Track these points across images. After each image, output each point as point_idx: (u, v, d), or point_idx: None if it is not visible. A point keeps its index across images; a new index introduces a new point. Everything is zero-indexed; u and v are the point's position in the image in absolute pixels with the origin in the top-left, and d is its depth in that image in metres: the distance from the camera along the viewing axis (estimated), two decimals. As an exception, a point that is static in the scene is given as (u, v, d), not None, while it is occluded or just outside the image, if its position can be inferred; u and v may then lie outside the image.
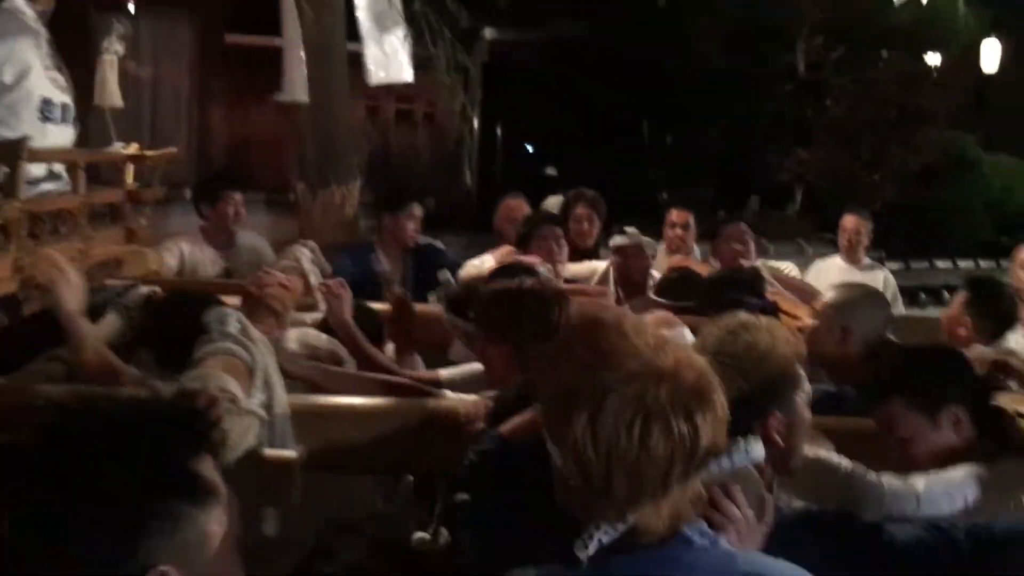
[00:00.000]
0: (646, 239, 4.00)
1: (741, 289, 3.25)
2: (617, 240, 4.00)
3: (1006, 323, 2.91)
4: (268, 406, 1.94)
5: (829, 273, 4.54)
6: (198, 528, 1.00)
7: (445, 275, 3.21)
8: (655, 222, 4.71)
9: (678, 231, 4.51)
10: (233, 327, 1.99)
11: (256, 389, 1.92)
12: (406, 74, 4.99)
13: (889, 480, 1.88)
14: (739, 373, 1.54)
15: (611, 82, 10.88)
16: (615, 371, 1.11)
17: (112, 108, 3.57)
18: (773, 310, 3.01)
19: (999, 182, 11.83)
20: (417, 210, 4.13)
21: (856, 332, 2.59)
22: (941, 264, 10.36)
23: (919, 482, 1.90)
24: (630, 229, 4.04)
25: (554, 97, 11.20)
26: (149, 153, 3.56)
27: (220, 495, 1.03)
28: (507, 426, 1.70)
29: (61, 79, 3.07)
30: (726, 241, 4.17)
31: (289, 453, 1.88)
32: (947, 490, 1.89)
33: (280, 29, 5.38)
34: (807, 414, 1.66)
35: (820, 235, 9.21)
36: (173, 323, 2.16)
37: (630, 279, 3.85)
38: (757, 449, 1.19)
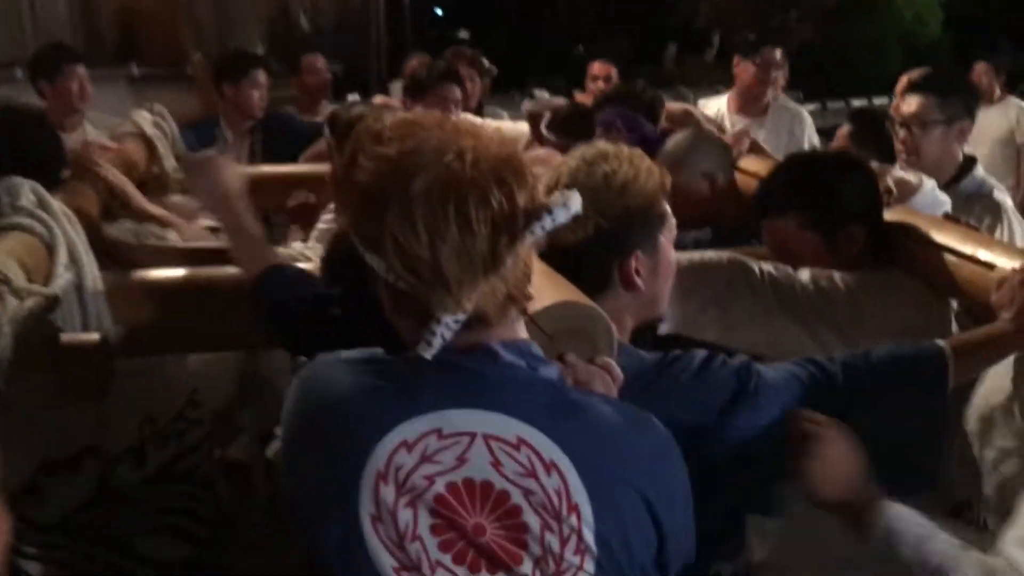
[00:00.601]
0: (557, 100, 3.78)
1: (631, 107, 2.98)
2: (526, 106, 3.80)
3: (888, 154, 2.79)
4: (78, 285, 1.76)
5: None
6: None
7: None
8: (577, 77, 4.64)
9: (600, 84, 4.36)
10: (27, 200, 1.77)
11: (59, 267, 1.72)
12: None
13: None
14: (595, 207, 1.37)
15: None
16: (416, 156, 1.05)
17: None
18: (660, 142, 2.77)
19: (910, 15, 11.66)
20: (261, 77, 3.78)
21: (718, 174, 2.44)
22: (856, 102, 10.31)
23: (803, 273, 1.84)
24: (539, 92, 4.00)
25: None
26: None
27: None
28: None
29: None
30: None
31: (91, 336, 1.67)
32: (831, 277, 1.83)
33: None
34: (672, 256, 1.48)
35: None
36: None
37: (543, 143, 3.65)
38: (575, 201, 1.07)
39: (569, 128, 3.18)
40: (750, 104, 4.21)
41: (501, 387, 1.09)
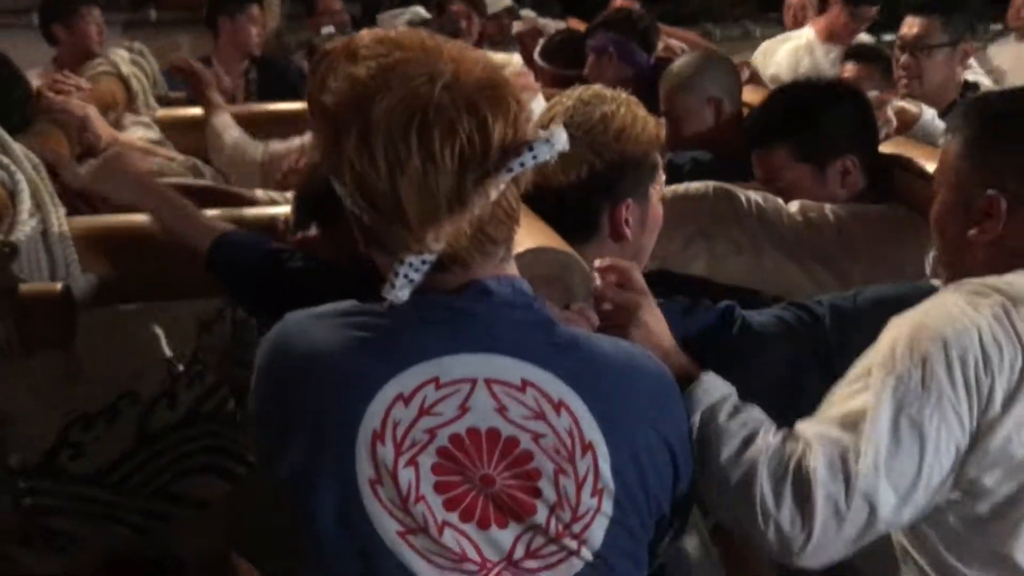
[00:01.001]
0: (544, 20, 3.73)
1: (624, 33, 2.88)
2: (515, 27, 3.77)
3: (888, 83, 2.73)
4: (44, 232, 1.71)
5: (776, 56, 4.06)
6: None
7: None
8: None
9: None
10: None
11: (22, 214, 1.66)
12: None
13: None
14: (591, 148, 1.33)
15: None
16: (385, 77, 0.97)
17: None
18: (653, 72, 2.69)
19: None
20: (256, 11, 3.64)
21: (725, 99, 2.35)
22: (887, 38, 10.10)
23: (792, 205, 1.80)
24: (526, 13, 3.84)
25: None
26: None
27: None
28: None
29: None
30: None
31: (52, 286, 1.62)
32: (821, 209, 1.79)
33: None
34: (660, 211, 1.43)
35: (766, 15, 8.26)
36: None
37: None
38: (560, 137, 0.99)
39: (562, 54, 3.10)
40: (842, 34, 3.95)
41: (498, 326, 1.01)
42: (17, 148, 1.75)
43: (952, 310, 1.16)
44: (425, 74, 0.96)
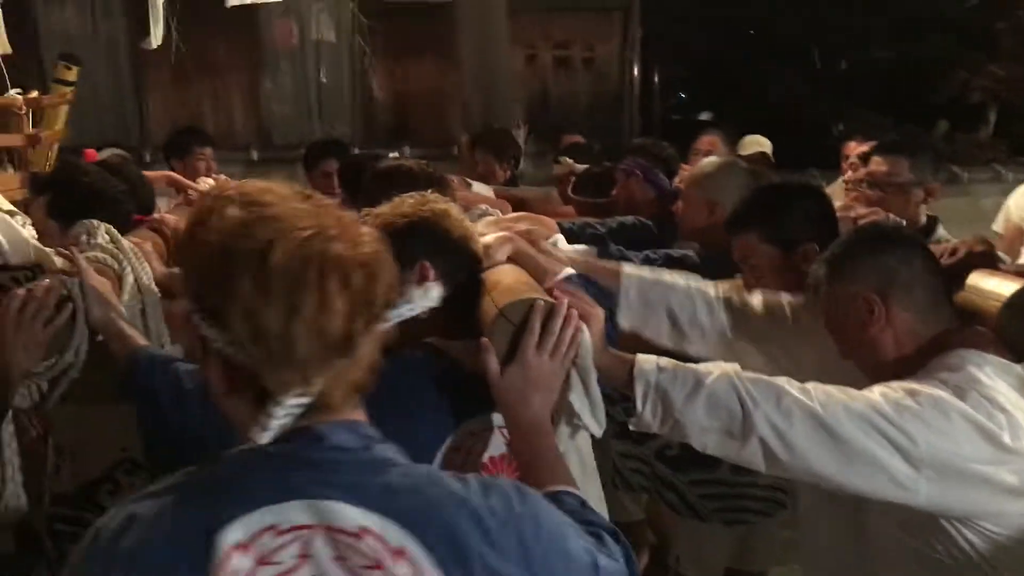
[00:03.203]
0: (579, 166, 4.06)
1: (650, 159, 3.26)
2: (555, 169, 4.17)
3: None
4: (142, 310, 2.07)
5: None
6: None
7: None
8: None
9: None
10: (102, 238, 2.12)
11: (126, 295, 2.03)
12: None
13: None
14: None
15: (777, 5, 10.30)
16: (279, 222, 1.01)
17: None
18: (675, 195, 3.05)
19: None
20: (331, 166, 3.87)
21: (722, 203, 2.63)
22: None
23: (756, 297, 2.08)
24: (564, 159, 4.17)
25: (715, 30, 10.60)
26: (45, 98, 3.61)
27: None
28: None
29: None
30: None
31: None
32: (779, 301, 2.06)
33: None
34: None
35: (1017, 159, 8.30)
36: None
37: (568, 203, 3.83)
38: (433, 293, 1.14)
39: (591, 187, 3.55)
40: None
41: (335, 472, 1.01)
42: (126, 243, 2.12)
43: None
44: (315, 226, 1.01)
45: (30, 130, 3.29)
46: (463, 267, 1.62)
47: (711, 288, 2.10)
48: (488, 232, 1.76)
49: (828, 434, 1.51)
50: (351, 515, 1.00)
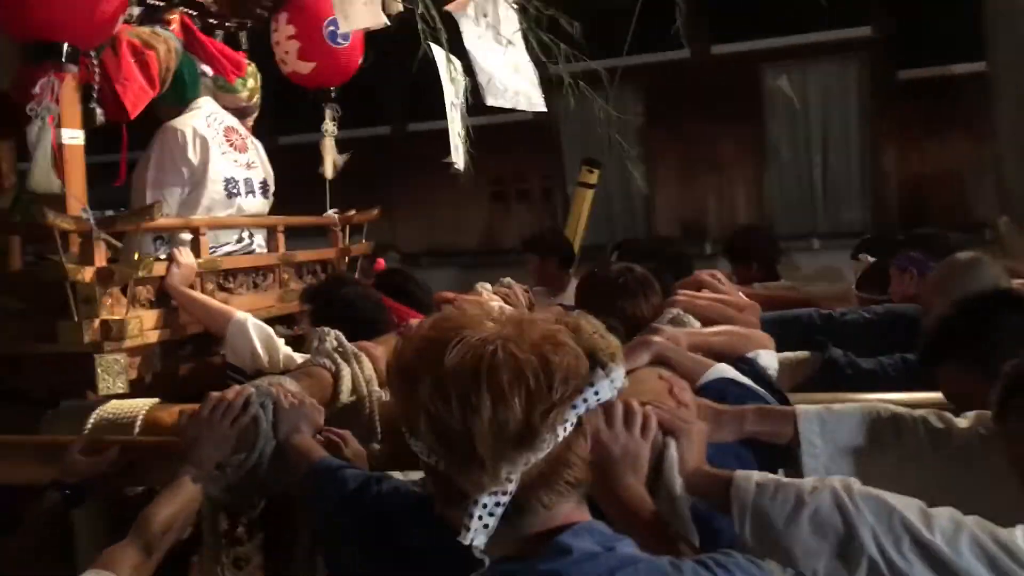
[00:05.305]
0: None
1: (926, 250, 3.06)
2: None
3: None
4: (356, 407, 2.29)
5: None
6: None
7: None
8: None
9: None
10: (329, 344, 2.39)
11: (342, 393, 2.27)
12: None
13: None
14: None
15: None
16: (455, 333, 1.09)
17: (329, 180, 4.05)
18: None
19: None
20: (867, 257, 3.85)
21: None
22: None
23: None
24: (863, 256, 4.02)
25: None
26: (355, 216, 4.11)
27: None
28: None
29: (244, 158, 3.59)
30: None
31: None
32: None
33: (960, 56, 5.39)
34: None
35: None
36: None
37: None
38: (619, 375, 1.11)
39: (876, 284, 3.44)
40: None
41: None
42: (350, 347, 2.36)
43: None
44: (493, 334, 1.07)
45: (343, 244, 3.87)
46: None
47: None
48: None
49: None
50: None
